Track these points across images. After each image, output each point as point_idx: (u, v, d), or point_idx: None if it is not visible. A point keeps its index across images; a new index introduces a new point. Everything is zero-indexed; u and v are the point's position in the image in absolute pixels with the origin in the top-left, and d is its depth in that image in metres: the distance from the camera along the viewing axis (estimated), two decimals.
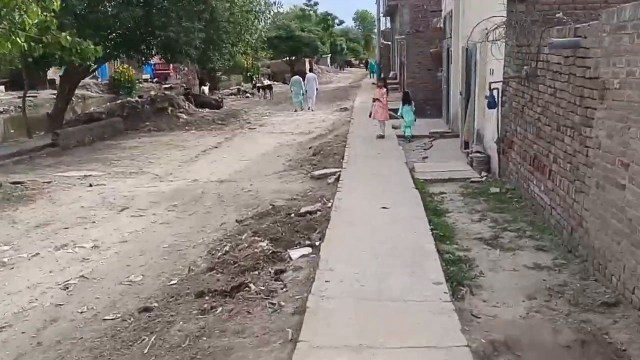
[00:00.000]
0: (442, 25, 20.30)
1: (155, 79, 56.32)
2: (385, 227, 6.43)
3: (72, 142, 16.27)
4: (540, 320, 4.37)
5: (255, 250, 6.12)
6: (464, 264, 5.41)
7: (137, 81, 50.55)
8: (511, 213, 7.10)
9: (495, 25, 8.04)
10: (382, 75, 14.62)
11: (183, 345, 4.37)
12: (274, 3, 21.84)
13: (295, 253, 6.01)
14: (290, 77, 50.13)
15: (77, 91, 45.31)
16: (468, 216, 7.12)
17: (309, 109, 25.49)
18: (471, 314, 4.45)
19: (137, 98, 22.76)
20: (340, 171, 10.03)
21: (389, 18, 45.23)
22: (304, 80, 25.83)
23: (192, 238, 7.73)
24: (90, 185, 11.18)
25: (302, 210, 7.92)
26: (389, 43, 42.35)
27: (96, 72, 59.33)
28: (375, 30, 76.40)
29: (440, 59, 18.95)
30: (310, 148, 14.65)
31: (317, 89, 26.75)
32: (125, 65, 51.10)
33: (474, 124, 10.96)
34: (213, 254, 6.80)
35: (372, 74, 53.79)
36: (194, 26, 15.59)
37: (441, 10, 21.95)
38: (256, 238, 6.55)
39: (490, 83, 8.81)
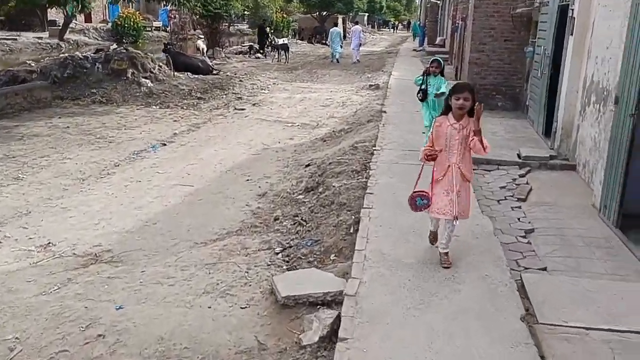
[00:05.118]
0: None
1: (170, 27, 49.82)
2: None
3: None
4: None
5: None
6: None
7: (144, 28, 44.34)
8: None
9: None
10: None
11: None
12: None
13: None
14: (315, 36, 43.87)
15: (71, 36, 39.97)
16: None
17: (357, 61, 25.08)
18: None
19: (88, 53, 16.52)
20: (338, 311, 3.80)
21: None
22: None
23: None
24: None
25: None
26: (438, 2, 35.15)
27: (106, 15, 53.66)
28: None
29: (529, 25, 12.28)
30: (307, 167, 8.39)
31: (360, 44, 26.79)
32: (132, 9, 44.97)
33: None
34: None
35: (414, 37, 46.63)
36: None
37: None
38: None
39: None
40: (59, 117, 11.83)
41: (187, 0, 13.39)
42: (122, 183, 7.89)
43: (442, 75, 7.93)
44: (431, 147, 4.47)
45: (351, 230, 5.44)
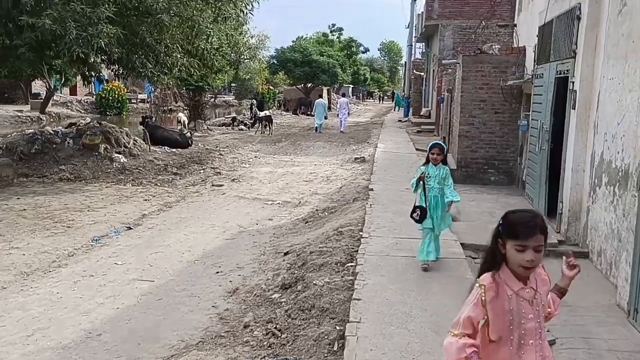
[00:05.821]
0: (518, 43, 13.12)
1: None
2: None
3: None
4: None
5: None
6: None
7: (129, 101, 43.98)
8: None
9: None
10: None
11: None
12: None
13: None
14: (300, 107, 43.88)
15: (54, 109, 39.46)
16: None
17: (341, 132, 25.48)
18: None
19: (58, 128, 15.77)
20: None
21: (423, 45, 38.42)
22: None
23: None
24: None
25: None
26: (422, 74, 35.41)
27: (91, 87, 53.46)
28: (402, 62, 69.30)
29: (520, 98, 11.78)
30: (285, 256, 7.41)
31: (348, 113, 27.82)
32: (117, 82, 44.88)
33: None
34: None
35: (397, 108, 47.06)
36: (96, 13, 8.46)
37: (514, 25, 14.88)
38: None
39: None
40: (18, 198, 10.83)
41: (162, 75, 12.79)
42: (72, 278, 6.84)
43: (445, 163, 6.10)
44: (472, 339, 2.35)
45: (335, 348, 4.43)
